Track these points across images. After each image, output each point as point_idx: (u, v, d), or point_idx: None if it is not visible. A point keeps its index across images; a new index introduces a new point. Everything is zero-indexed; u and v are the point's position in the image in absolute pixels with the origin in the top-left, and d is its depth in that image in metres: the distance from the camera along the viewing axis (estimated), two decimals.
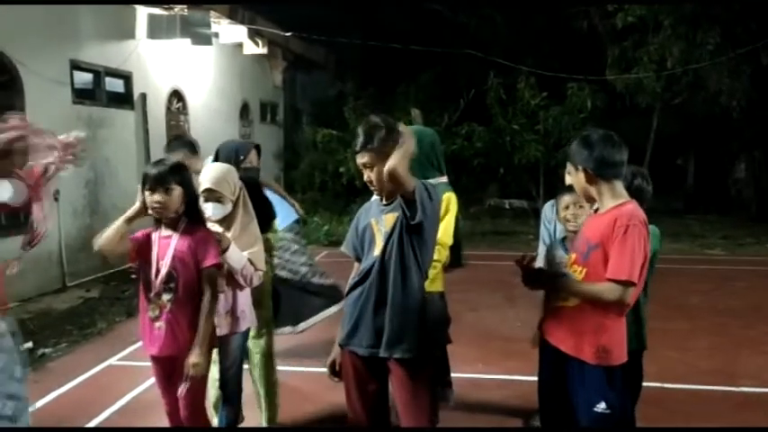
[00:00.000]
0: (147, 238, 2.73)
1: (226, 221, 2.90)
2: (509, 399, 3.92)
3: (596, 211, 2.42)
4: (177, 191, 2.61)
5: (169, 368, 2.70)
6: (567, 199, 2.88)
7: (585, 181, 2.32)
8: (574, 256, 2.40)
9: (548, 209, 3.53)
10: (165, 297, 2.62)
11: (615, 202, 2.29)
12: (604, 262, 2.22)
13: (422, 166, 3.19)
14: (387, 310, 2.41)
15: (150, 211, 2.63)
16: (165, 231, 2.67)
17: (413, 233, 2.41)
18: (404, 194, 2.32)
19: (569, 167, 2.43)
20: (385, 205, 2.50)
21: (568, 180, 2.51)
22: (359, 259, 2.60)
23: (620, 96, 12.43)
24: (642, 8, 11.47)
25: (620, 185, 2.32)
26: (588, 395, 2.25)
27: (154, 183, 2.59)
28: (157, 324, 2.63)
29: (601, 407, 2.22)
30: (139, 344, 5.05)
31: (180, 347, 2.61)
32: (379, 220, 2.49)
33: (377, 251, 2.46)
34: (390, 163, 2.25)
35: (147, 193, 2.61)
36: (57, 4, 7.44)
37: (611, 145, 2.28)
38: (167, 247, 2.64)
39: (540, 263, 3.32)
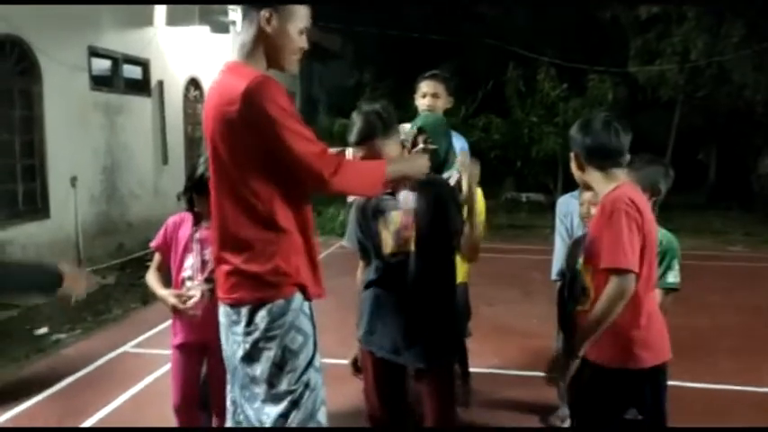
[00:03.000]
0: (179, 226, 2.74)
1: None
2: (525, 395, 3.85)
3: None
4: None
5: (195, 356, 2.72)
6: (586, 196, 2.79)
7: (577, 167, 2.25)
8: (583, 255, 2.26)
9: (562, 203, 3.42)
10: (206, 286, 2.62)
11: (607, 188, 2.17)
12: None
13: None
14: (419, 316, 2.34)
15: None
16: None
17: (446, 236, 2.38)
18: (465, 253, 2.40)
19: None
20: (389, 195, 2.39)
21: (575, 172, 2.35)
22: (365, 253, 2.51)
23: (641, 89, 12.25)
24: None
25: (617, 172, 2.19)
26: (622, 399, 2.15)
27: None
28: (192, 312, 2.65)
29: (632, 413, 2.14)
30: (154, 331, 5.11)
31: (213, 335, 2.59)
32: (389, 216, 2.37)
33: (388, 249, 2.37)
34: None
35: None
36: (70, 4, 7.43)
37: (607, 131, 2.15)
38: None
39: (558, 260, 3.25)
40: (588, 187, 2.31)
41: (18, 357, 4.71)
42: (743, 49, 11.37)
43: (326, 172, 1.88)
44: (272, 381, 1.95)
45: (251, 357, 1.98)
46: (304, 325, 1.99)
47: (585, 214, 2.80)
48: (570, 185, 2.42)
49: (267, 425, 1.96)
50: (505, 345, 4.80)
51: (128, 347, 4.87)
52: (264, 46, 2.00)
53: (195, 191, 2.61)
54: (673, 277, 2.61)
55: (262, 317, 1.95)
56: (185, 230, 2.71)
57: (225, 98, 1.90)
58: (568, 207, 3.27)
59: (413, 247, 2.33)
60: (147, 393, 4.00)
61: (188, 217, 2.72)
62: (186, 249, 2.69)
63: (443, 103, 3.32)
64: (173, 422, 2.86)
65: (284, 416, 1.95)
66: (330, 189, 1.93)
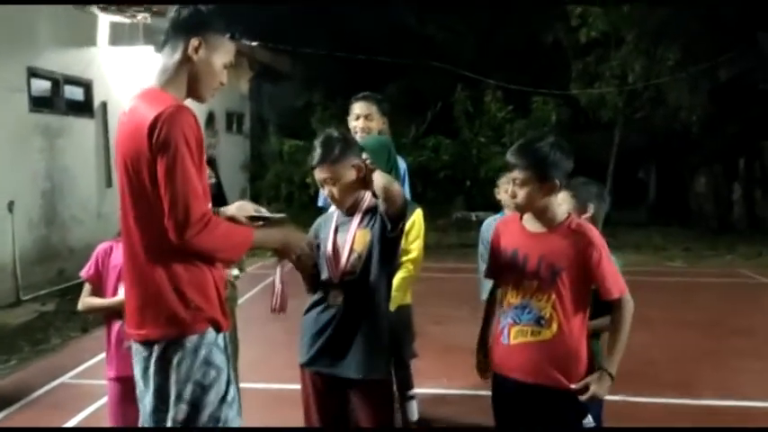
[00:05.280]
0: (110, 254, 2.66)
1: None
2: (474, 414, 3.86)
3: (522, 217, 2.29)
4: None
5: (132, 391, 2.61)
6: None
7: (550, 192, 2.17)
8: (536, 282, 2.17)
9: (485, 228, 3.47)
10: None
11: (563, 216, 2.21)
12: (575, 285, 2.14)
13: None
14: (360, 331, 2.36)
15: None
16: None
17: (388, 247, 2.37)
18: (391, 210, 2.26)
19: (519, 177, 2.18)
20: (347, 217, 2.44)
21: (508, 195, 2.32)
22: (317, 273, 2.52)
23: (583, 111, 12.65)
24: (605, 24, 11.71)
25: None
26: (577, 416, 2.18)
27: None
28: (127, 343, 2.55)
29: (588, 421, 2.18)
30: (93, 361, 4.93)
31: None
32: (343, 237, 2.42)
33: (340, 268, 2.40)
34: (382, 180, 2.23)
35: None
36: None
37: (569, 152, 2.20)
38: None
39: (486, 282, 3.33)
40: (538, 213, 2.21)
41: None
42: (678, 72, 11.88)
43: (191, 227, 1.80)
44: (184, 418, 1.91)
45: (163, 395, 1.92)
46: (217, 359, 1.95)
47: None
48: None
49: None
50: (454, 364, 4.80)
51: (66, 378, 4.68)
52: (188, 74, 1.97)
53: None
54: None
55: (175, 354, 1.89)
56: (117, 258, 2.63)
57: (139, 125, 1.84)
58: (491, 231, 3.35)
59: (362, 266, 2.36)
60: (85, 426, 3.85)
61: (118, 244, 2.65)
62: (120, 278, 2.61)
63: (376, 124, 3.28)
64: None
65: None
66: (187, 245, 1.83)
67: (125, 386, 2.65)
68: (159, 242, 1.86)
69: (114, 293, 2.64)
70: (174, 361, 1.89)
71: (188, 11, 1.96)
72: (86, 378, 4.67)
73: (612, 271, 2.16)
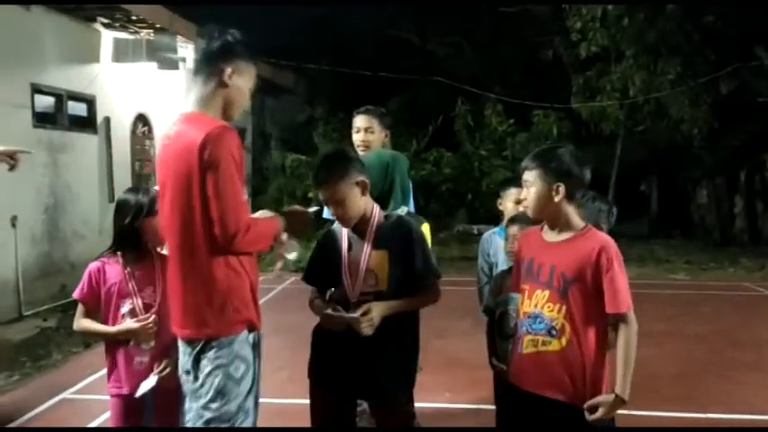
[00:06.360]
0: (103, 272, 2.62)
1: None
2: (477, 429, 3.85)
3: (542, 229, 2.26)
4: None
5: (137, 406, 2.57)
6: (513, 230, 2.83)
7: (559, 199, 2.14)
8: (548, 292, 2.14)
9: (485, 240, 3.47)
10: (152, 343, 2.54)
11: (580, 226, 2.18)
12: (588, 296, 2.10)
13: (404, 195, 3.08)
14: (380, 354, 2.32)
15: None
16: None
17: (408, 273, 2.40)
18: None
19: (528, 177, 2.19)
20: (358, 233, 2.40)
21: (512, 206, 2.31)
22: (325, 292, 2.50)
23: (584, 124, 12.67)
24: (605, 38, 11.77)
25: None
26: None
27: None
28: (138, 359, 2.53)
29: None
30: (95, 376, 4.91)
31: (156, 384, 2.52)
32: (358, 256, 2.38)
33: (357, 286, 2.36)
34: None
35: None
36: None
37: (586, 163, 2.20)
38: None
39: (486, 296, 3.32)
40: (551, 220, 2.21)
41: None
42: (678, 85, 11.90)
43: (240, 234, 2.05)
44: (216, 407, 2.10)
45: (199, 385, 2.13)
46: (247, 354, 2.16)
47: (512, 248, 2.82)
48: None
49: None
50: (457, 378, 4.80)
51: (67, 394, 4.66)
52: (222, 99, 2.19)
53: (149, 213, 2.50)
54: None
55: (212, 350, 2.11)
56: (113, 275, 2.56)
57: (189, 145, 2.05)
58: (491, 244, 3.35)
59: (384, 287, 2.33)
60: None
61: (109, 261, 2.60)
62: (121, 295, 2.54)
63: (377, 137, 3.25)
64: None
65: None
66: (235, 249, 2.08)
67: (128, 402, 2.62)
68: (205, 250, 2.07)
69: (116, 313, 2.54)
70: (210, 354, 2.10)
71: (218, 42, 2.17)
72: (88, 394, 4.66)
73: (623, 285, 2.10)
